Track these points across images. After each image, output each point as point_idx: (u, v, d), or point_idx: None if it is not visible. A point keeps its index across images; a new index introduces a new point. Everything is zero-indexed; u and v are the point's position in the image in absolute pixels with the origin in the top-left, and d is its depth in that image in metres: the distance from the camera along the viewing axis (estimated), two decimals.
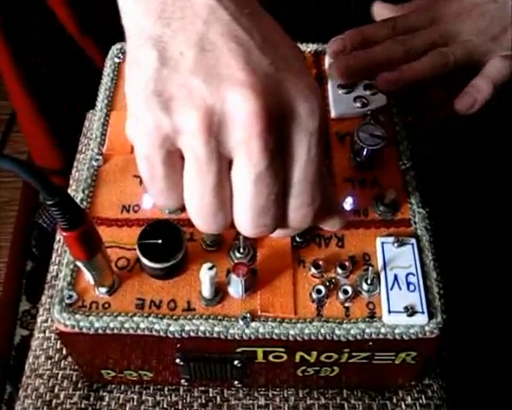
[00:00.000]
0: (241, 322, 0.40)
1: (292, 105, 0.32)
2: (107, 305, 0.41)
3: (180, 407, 0.49)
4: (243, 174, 0.32)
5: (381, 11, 0.57)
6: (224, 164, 0.32)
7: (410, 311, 0.40)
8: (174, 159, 0.33)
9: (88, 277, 0.39)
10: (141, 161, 0.34)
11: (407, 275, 0.42)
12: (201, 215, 0.34)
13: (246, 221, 0.34)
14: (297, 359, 0.43)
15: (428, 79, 0.51)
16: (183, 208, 0.38)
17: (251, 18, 0.33)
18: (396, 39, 0.52)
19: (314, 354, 0.42)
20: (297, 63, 0.34)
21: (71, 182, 0.61)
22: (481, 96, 0.51)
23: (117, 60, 0.54)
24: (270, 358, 0.43)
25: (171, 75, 0.32)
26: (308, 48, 0.55)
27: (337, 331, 0.40)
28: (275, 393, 0.49)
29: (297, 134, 0.32)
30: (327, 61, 0.53)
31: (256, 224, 0.34)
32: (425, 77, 0.51)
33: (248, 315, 0.40)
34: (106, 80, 0.53)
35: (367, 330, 0.40)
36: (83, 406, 0.49)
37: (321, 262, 0.42)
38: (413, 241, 0.43)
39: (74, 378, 0.50)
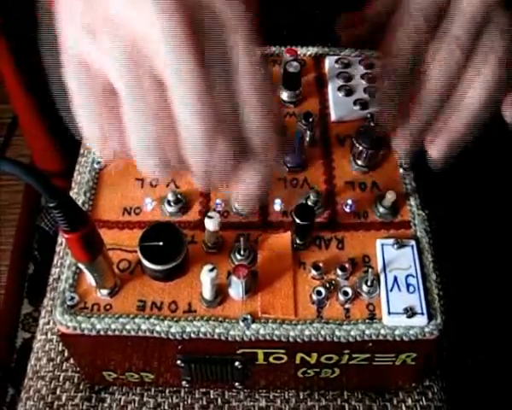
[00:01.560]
0: (241, 324, 0.40)
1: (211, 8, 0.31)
2: (108, 307, 0.41)
3: (181, 409, 0.49)
4: (178, 94, 0.31)
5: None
6: (158, 88, 0.31)
7: (410, 312, 0.40)
8: (109, 95, 0.32)
9: (89, 279, 0.40)
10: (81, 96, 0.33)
11: (407, 277, 0.42)
12: (147, 148, 0.33)
13: (197, 139, 0.32)
14: (297, 360, 0.43)
15: None
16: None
17: None
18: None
19: (314, 355, 0.42)
20: None
21: (73, 185, 0.61)
22: None
23: None
24: (271, 359, 0.43)
25: (95, 5, 0.31)
26: (308, 51, 0.55)
27: (337, 333, 0.40)
28: (275, 394, 0.50)
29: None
30: (327, 63, 0.54)
31: (210, 136, 0.32)
32: None
33: (249, 317, 0.40)
34: None
35: (367, 332, 0.40)
36: (84, 407, 0.49)
37: (321, 264, 0.42)
38: (413, 243, 0.43)
39: (76, 380, 0.50)
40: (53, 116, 0.89)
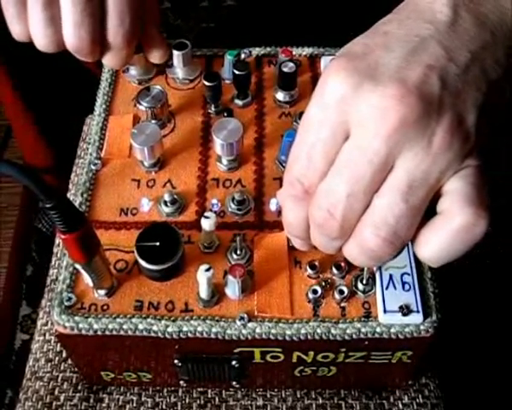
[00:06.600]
0: (238, 323, 0.40)
1: None
2: (105, 307, 0.41)
3: (179, 408, 0.49)
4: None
5: None
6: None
7: (406, 310, 0.40)
8: None
9: (87, 279, 0.40)
10: None
11: (402, 275, 0.42)
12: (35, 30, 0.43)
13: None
14: (294, 359, 0.43)
15: None
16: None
17: None
18: None
19: (311, 354, 0.43)
20: None
21: (70, 186, 0.62)
22: None
23: None
24: (268, 358, 0.43)
25: None
26: (304, 51, 0.55)
27: (333, 331, 0.40)
28: (273, 393, 0.50)
29: None
30: (322, 64, 0.54)
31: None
32: None
33: (245, 316, 0.41)
34: (104, 85, 0.53)
35: (363, 330, 0.40)
36: (83, 408, 0.49)
37: (317, 263, 0.42)
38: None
39: (74, 381, 0.51)
40: (42, 113, 0.88)
